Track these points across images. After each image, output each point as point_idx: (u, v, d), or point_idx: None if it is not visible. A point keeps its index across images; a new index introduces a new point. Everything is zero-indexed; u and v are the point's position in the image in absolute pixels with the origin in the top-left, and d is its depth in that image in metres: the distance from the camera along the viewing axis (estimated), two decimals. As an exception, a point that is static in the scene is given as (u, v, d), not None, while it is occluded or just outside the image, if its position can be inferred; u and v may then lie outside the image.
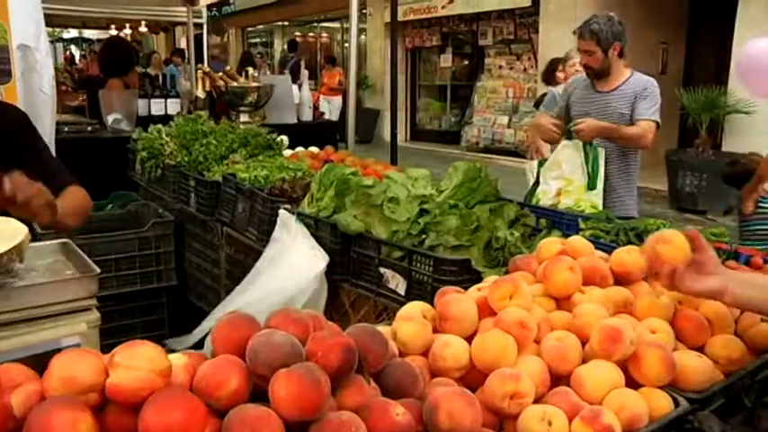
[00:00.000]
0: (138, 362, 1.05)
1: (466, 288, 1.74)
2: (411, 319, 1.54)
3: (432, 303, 1.64)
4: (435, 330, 1.55)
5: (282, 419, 1.07)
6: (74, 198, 2.03)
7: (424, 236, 2.22)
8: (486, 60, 14.00)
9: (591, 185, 3.32)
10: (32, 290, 1.35)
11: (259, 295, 2.72)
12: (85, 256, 1.53)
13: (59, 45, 20.20)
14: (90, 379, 1.04)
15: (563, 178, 3.43)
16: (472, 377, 1.44)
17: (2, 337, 1.27)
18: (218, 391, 1.10)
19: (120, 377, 1.04)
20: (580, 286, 1.67)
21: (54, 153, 4.20)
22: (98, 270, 1.46)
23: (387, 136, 7.01)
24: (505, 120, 13.34)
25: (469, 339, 1.48)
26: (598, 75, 3.47)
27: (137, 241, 3.49)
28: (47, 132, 4.12)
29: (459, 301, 1.58)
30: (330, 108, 12.66)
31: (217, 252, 3.47)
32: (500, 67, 13.67)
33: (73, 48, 23.54)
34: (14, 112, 2.22)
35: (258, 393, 1.15)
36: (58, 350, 1.20)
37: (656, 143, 3.63)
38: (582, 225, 2.49)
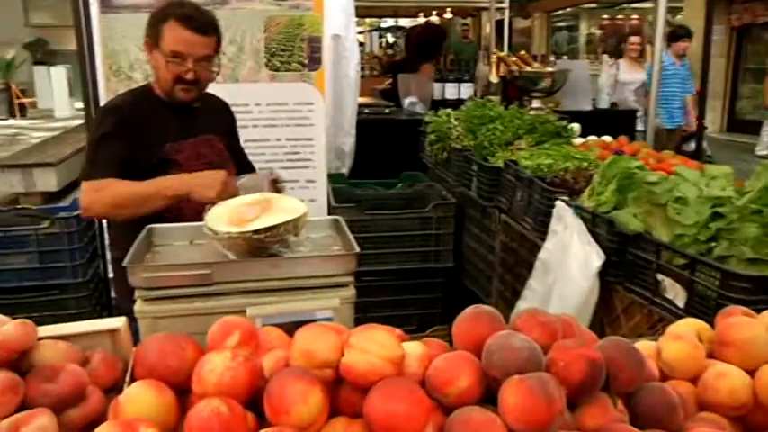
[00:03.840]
0: (371, 346, 1.07)
1: (759, 311, 1.47)
2: (681, 338, 1.34)
3: (713, 323, 1.42)
4: (711, 356, 1.33)
5: (508, 429, 1.00)
6: None
7: (713, 243, 1.93)
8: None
9: None
10: (296, 262, 1.47)
11: (538, 290, 2.69)
12: (350, 235, 1.61)
13: (374, 34, 21.97)
14: (327, 355, 1.09)
15: None
16: (753, 419, 1.21)
17: (268, 302, 1.39)
18: (446, 387, 1.07)
19: (353, 358, 1.07)
20: None
21: (354, 132, 4.65)
22: (358, 249, 1.52)
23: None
24: None
25: (753, 373, 1.24)
26: None
27: (419, 221, 3.63)
28: (349, 112, 4.54)
29: (747, 326, 1.33)
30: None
31: (493, 238, 3.45)
32: None
33: (389, 36, 25.46)
34: (218, 99, 2.49)
35: (491, 395, 1.09)
36: (313, 321, 1.28)
37: None
38: None
